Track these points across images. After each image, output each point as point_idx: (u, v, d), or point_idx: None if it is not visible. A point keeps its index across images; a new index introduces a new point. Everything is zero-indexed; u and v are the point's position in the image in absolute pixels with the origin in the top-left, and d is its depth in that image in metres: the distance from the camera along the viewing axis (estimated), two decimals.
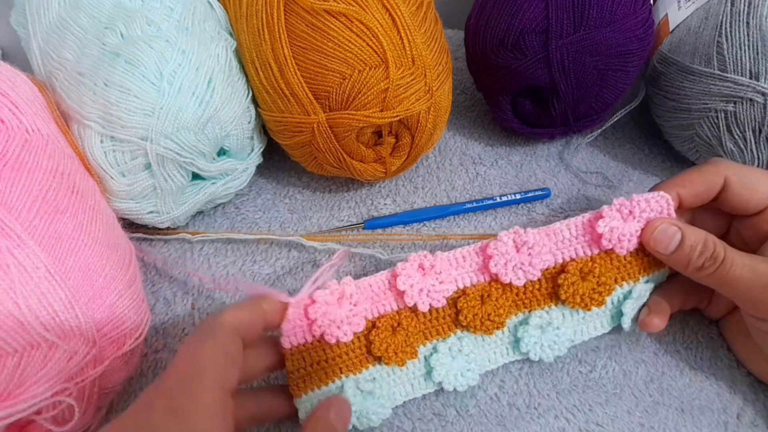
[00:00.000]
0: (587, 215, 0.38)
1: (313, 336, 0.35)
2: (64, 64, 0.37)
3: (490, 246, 0.37)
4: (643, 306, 0.38)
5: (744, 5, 0.40)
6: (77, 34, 0.37)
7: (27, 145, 0.32)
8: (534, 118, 0.48)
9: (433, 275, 0.37)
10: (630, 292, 0.38)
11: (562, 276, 0.37)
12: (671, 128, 0.48)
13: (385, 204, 0.48)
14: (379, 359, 0.36)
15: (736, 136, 0.42)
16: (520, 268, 0.37)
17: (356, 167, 0.42)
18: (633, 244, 0.37)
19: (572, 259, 0.38)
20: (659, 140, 0.52)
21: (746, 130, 0.41)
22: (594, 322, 0.38)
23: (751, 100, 0.40)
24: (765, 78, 0.39)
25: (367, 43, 0.37)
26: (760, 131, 0.41)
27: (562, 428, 0.36)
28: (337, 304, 0.35)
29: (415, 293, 0.36)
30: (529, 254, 0.37)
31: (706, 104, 0.42)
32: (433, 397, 0.38)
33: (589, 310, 0.37)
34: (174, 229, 0.44)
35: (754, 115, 0.40)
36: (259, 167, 0.46)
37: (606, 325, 0.38)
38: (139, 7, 0.38)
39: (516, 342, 0.38)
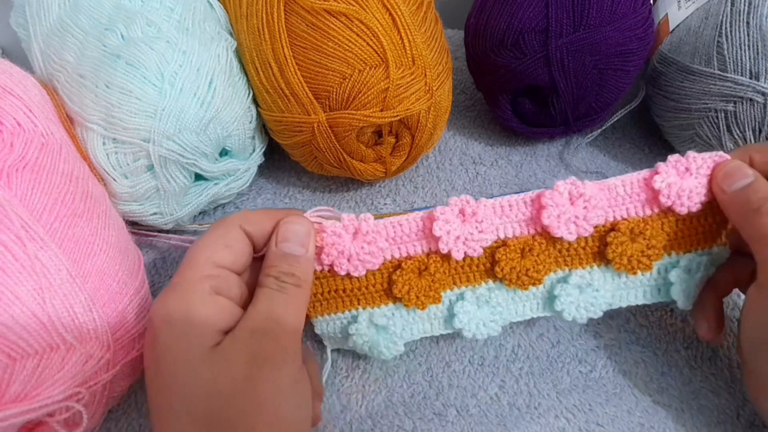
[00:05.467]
0: (642, 173, 0.36)
1: (323, 265, 0.34)
2: (65, 66, 0.37)
3: (546, 195, 0.35)
4: (699, 282, 0.36)
5: (744, 5, 0.40)
6: (78, 35, 0.37)
7: (44, 149, 0.32)
8: (534, 117, 0.48)
9: (474, 223, 0.35)
10: (678, 261, 0.36)
11: (612, 234, 0.35)
12: (671, 128, 0.48)
13: (385, 204, 0.48)
14: (399, 300, 0.35)
15: (736, 136, 0.42)
16: (574, 222, 0.35)
17: (356, 167, 0.42)
18: (695, 204, 0.35)
19: (623, 219, 0.36)
20: (659, 140, 0.52)
21: (746, 130, 0.41)
22: (636, 290, 0.37)
23: (751, 100, 0.40)
24: (765, 78, 0.39)
25: (368, 43, 0.37)
26: (760, 131, 0.41)
27: (562, 428, 0.36)
28: (350, 238, 0.34)
29: (451, 240, 0.34)
30: (585, 207, 0.35)
31: (706, 104, 0.42)
32: (434, 396, 0.38)
33: (634, 273, 0.36)
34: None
35: (754, 115, 0.40)
36: (259, 167, 0.46)
37: (648, 296, 0.37)
38: (139, 8, 0.38)
39: (550, 299, 0.36)
